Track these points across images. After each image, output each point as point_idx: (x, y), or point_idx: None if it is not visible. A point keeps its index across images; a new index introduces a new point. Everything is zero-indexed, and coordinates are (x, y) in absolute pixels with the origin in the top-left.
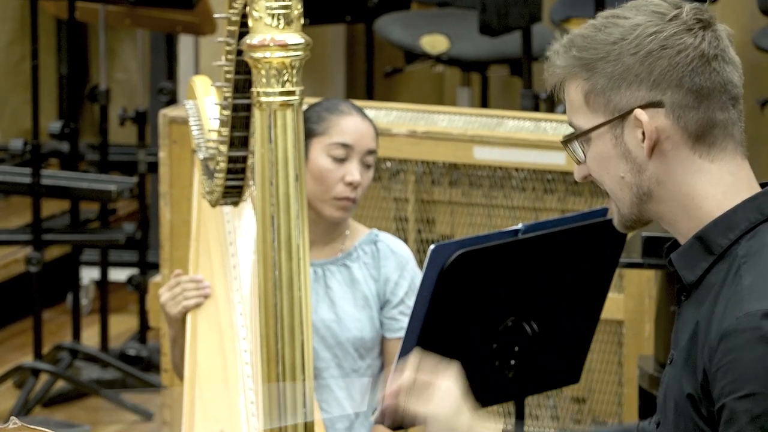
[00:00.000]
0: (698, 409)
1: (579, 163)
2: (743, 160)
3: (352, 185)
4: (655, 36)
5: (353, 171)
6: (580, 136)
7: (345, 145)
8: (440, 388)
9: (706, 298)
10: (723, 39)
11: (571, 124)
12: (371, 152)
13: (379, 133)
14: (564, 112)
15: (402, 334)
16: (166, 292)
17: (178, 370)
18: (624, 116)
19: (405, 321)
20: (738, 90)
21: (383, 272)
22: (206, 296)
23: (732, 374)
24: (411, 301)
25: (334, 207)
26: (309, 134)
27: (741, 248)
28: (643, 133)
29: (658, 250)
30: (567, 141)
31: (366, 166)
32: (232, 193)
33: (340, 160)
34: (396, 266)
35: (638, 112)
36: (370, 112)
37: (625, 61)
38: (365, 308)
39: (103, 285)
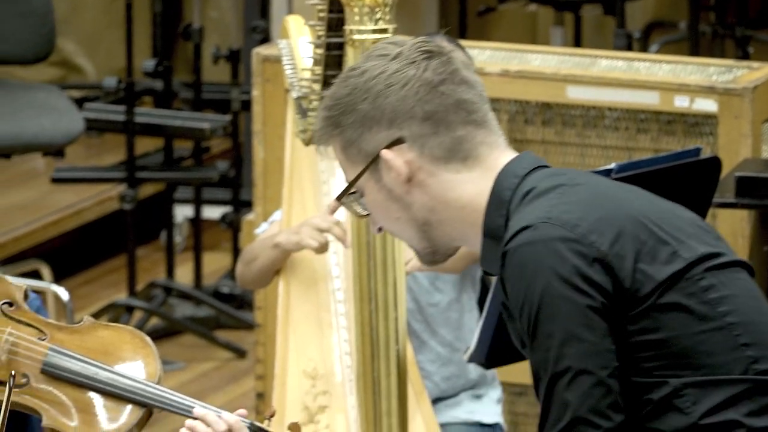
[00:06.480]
0: None
1: (363, 217)
2: (503, 153)
3: None
4: (379, 77)
5: None
6: (345, 192)
7: None
8: None
9: None
10: (452, 64)
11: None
12: None
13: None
14: (657, 51)
15: None
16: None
17: (245, 280)
18: (375, 160)
19: None
20: (475, 105)
21: None
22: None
23: (513, 301)
24: None
25: None
26: None
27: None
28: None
29: (752, 189)
30: (342, 199)
31: None
32: None
33: None
34: None
35: (384, 152)
36: None
37: (359, 108)
38: None
39: (196, 222)
